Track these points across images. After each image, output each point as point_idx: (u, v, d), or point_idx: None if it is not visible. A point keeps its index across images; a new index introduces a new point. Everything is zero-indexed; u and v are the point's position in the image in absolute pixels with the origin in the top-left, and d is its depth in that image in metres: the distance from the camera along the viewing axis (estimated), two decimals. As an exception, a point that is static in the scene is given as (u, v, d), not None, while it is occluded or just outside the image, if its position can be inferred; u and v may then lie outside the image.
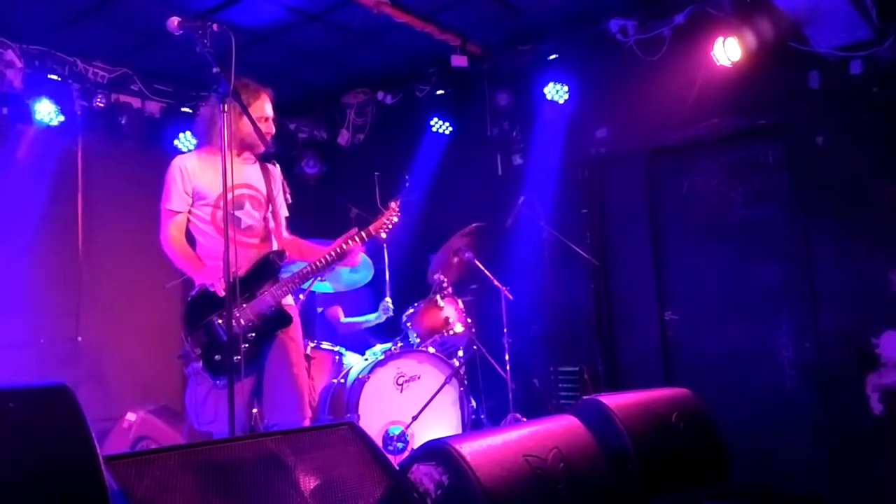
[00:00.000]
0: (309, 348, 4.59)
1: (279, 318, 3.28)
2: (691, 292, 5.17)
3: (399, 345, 4.62)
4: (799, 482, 4.61)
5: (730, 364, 4.93)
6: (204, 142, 3.47)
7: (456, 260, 5.00)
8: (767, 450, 4.72)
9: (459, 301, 4.84)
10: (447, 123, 5.94)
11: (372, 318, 5.23)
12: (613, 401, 3.12)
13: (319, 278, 4.40)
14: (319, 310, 5.40)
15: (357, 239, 3.42)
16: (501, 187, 5.73)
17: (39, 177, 5.50)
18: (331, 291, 4.92)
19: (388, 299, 5.11)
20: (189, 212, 3.35)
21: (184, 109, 6.21)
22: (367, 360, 4.57)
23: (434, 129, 5.97)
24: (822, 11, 3.97)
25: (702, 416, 3.48)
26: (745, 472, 4.77)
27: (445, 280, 4.74)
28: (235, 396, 3.21)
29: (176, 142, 6.03)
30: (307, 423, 3.36)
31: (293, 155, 6.83)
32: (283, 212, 3.61)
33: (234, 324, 3.17)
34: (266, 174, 3.51)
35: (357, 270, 4.65)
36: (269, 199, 3.46)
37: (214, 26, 2.85)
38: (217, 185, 3.33)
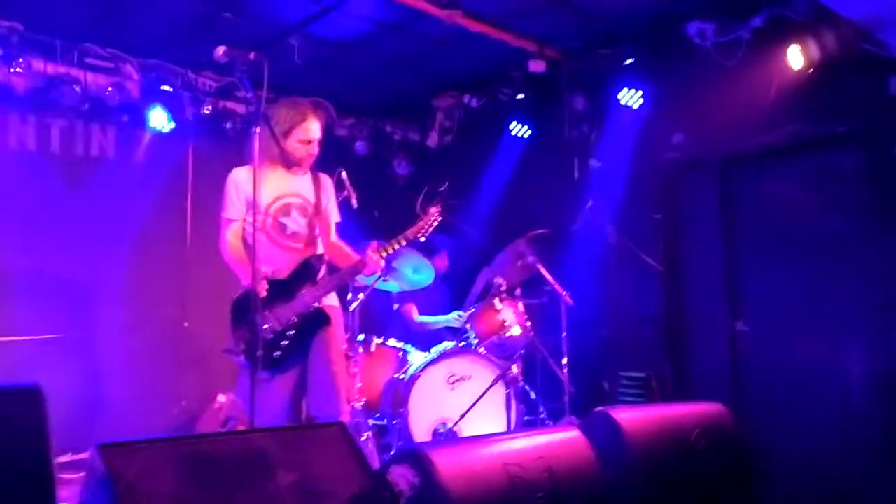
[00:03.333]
0: (374, 345, 4.88)
1: (318, 318, 3.56)
2: (764, 303, 5.04)
3: (454, 344, 4.81)
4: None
5: (799, 379, 4.79)
6: (269, 161, 3.79)
7: (520, 263, 5.13)
8: (831, 474, 4.56)
9: (520, 304, 4.97)
10: (526, 127, 6.05)
11: (442, 320, 5.44)
12: (625, 415, 3.18)
13: (383, 278, 4.68)
14: (395, 307, 5.67)
15: (389, 249, 3.65)
16: (577, 191, 5.78)
17: (154, 177, 6.08)
18: (398, 290, 5.16)
19: (459, 312, 5.31)
20: (244, 220, 3.69)
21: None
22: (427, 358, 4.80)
23: (513, 133, 6.10)
24: (888, 18, 3.79)
25: (729, 435, 3.46)
26: (807, 497, 4.66)
27: (504, 283, 4.88)
28: (280, 389, 3.56)
29: (275, 144, 6.48)
30: (345, 416, 3.63)
31: (386, 156, 7.15)
32: (334, 218, 3.89)
33: (275, 322, 3.49)
34: (317, 183, 3.80)
35: (419, 271, 4.87)
36: (317, 207, 3.74)
37: (252, 55, 3.15)
38: (265, 195, 3.67)
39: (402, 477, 2.47)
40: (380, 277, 4.71)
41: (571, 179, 5.94)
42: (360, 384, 4.67)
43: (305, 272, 3.57)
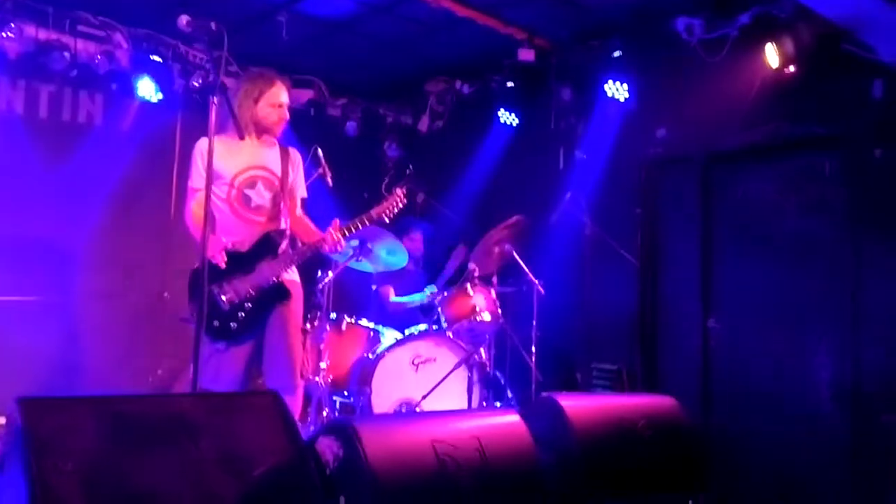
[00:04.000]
0: (345, 324, 4.90)
1: (276, 292, 3.58)
2: (737, 301, 5.04)
3: (421, 327, 4.84)
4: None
5: (768, 378, 4.79)
6: (237, 131, 3.80)
7: (496, 251, 5.13)
8: (795, 471, 4.58)
9: (493, 291, 4.98)
10: (514, 115, 6.04)
11: (417, 299, 5.47)
12: (570, 401, 3.20)
13: (357, 259, 4.71)
14: (374, 287, 5.70)
15: (352, 227, 3.66)
16: (561, 182, 5.77)
17: (140, 147, 6.09)
18: (373, 271, 5.18)
19: (432, 287, 5.34)
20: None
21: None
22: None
23: (501, 121, 6.09)
24: (867, 21, 3.76)
25: (678, 427, 3.48)
26: (770, 492, 4.67)
27: (477, 269, 4.89)
28: (234, 360, 3.59)
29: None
30: (299, 390, 3.66)
31: (378, 138, 7.15)
32: (300, 193, 3.91)
33: (232, 294, 3.52)
34: (285, 157, 3.81)
35: (393, 253, 4.89)
36: (284, 180, 3.76)
37: (213, 25, 3.16)
38: (232, 166, 3.69)
39: (328, 448, 2.51)
40: (353, 257, 4.75)
41: (556, 170, 5.94)
42: (327, 362, 4.70)
43: (265, 246, 3.59)
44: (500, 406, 4.77)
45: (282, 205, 3.74)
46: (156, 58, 5.97)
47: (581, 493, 3.03)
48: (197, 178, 3.70)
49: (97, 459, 2.13)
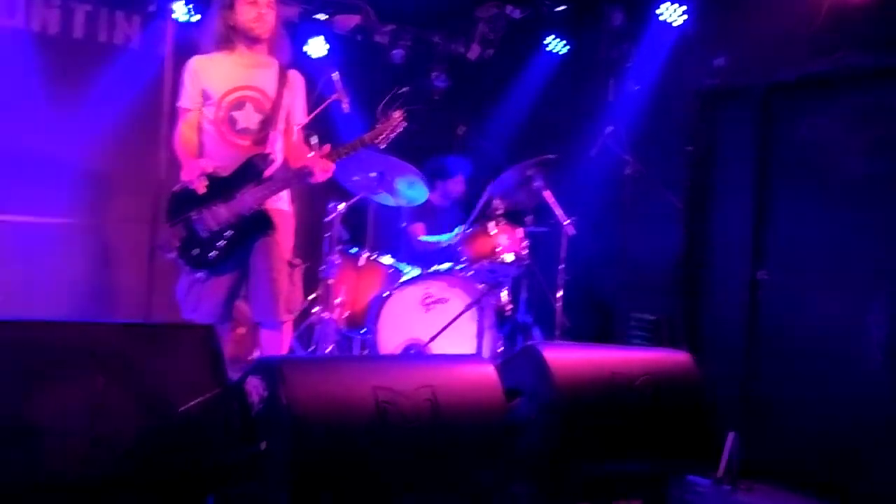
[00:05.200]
0: (363, 260, 4.68)
1: (259, 221, 3.39)
2: (790, 252, 4.54)
3: (442, 267, 4.58)
4: (874, 480, 4.02)
5: (817, 336, 4.33)
6: (219, 44, 3.59)
7: (526, 188, 4.79)
8: (842, 435, 4.15)
9: (519, 230, 4.66)
10: (562, 42, 5.59)
11: (444, 239, 5.18)
12: (555, 352, 2.89)
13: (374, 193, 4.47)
14: (403, 224, 5.46)
15: (342, 153, 3.41)
16: (606, 115, 5.32)
17: (176, 70, 5.94)
18: (392, 204, 4.93)
19: (461, 227, 5.05)
20: (200, 111, 3.51)
21: (317, 17, 6.40)
22: (415, 277, 4.59)
23: (549, 48, 5.66)
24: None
25: (686, 386, 3.14)
26: (815, 455, 4.26)
27: (501, 206, 4.57)
28: (214, 291, 3.44)
29: (305, 48, 6.26)
30: (286, 326, 3.49)
31: (426, 67, 6.81)
32: (298, 118, 3.67)
33: (212, 221, 3.34)
34: (282, 79, 3.57)
35: (413, 187, 4.62)
36: (276, 104, 3.52)
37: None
38: (221, 85, 3.48)
39: (255, 388, 2.31)
40: (371, 189, 4.52)
41: (604, 102, 5.48)
42: (341, 297, 4.54)
43: (248, 171, 3.39)
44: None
45: (271, 130, 3.50)
46: (192, -21, 5.80)
47: (557, 454, 2.75)
48: (186, 98, 3.53)
49: (-12, 386, 1.99)
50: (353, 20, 6.65)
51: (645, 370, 3.01)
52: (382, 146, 3.54)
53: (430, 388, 2.45)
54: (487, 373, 2.65)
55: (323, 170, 3.40)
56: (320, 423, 2.20)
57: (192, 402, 2.21)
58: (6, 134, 5.24)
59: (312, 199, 6.09)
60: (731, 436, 4.14)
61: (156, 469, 2.13)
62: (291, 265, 3.50)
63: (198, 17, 5.77)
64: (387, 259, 4.78)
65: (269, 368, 2.24)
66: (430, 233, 5.40)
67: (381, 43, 6.78)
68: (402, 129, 3.53)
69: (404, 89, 3.66)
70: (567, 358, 2.88)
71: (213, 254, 3.33)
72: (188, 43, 5.82)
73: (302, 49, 6.24)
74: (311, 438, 2.17)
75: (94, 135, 5.58)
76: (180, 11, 5.73)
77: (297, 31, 6.33)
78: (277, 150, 3.54)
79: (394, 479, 2.32)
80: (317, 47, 6.26)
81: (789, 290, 4.52)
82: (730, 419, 4.21)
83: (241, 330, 4.83)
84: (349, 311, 4.55)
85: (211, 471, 2.18)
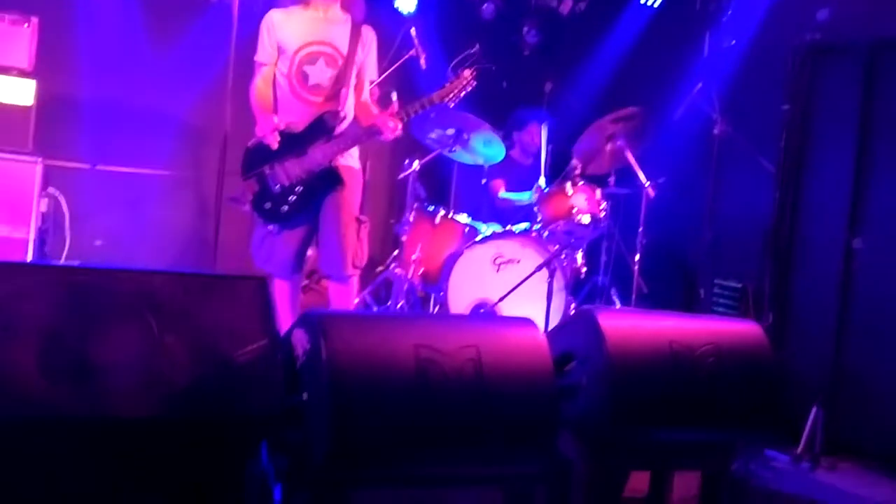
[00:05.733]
0: (439, 218, 4.69)
1: (329, 177, 3.45)
2: (889, 219, 4.25)
3: (522, 226, 4.55)
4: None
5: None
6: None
7: (608, 147, 4.67)
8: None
9: (598, 191, 4.55)
10: (658, -7, 5.37)
11: (525, 198, 5.12)
12: (611, 318, 2.83)
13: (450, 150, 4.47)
14: (483, 181, 5.42)
15: (410, 112, 3.41)
16: (700, 72, 5.09)
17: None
18: (470, 162, 4.90)
19: (541, 179, 4.96)
20: (276, 66, 3.58)
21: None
22: (491, 235, 4.57)
23: (643, 2, 5.44)
24: None
25: (754, 359, 3.01)
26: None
27: (579, 166, 4.47)
28: (286, 243, 3.55)
29: (396, 2, 6.24)
30: (352, 279, 3.57)
31: (518, 22, 6.67)
32: (369, 75, 3.69)
33: (283, 176, 3.43)
34: (355, 35, 3.59)
35: (490, 145, 4.58)
36: (349, 59, 3.55)
37: None
38: (295, 39, 3.53)
39: (299, 340, 2.38)
40: (447, 146, 4.52)
41: (698, 58, 5.23)
42: (418, 255, 4.58)
43: (319, 128, 3.44)
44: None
45: (343, 87, 3.53)
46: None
47: (607, 421, 2.71)
48: (262, 53, 3.61)
49: (51, 327, 2.13)
50: (444, -27, 6.59)
51: (707, 340, 2.90)
52: (452, 105, 3.51)
53: (475, 348, 2.45)
54: (535, 336, 2.62)
55: (391, 128, 3.41)
56: (358, 378, 2.24)
57: (241, 352, 2.30)
58: (112, 88, 5.51)
59: (395, 155, 6.15)
60: (814, 410, 3.97)
61: (204, 412, 2.23)
62: (359, 221, 3.56)
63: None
64: (463, 217, 4.77)
65: (312, 323, 2.30)
66: (510, 189, 5.35)
67: (469, -1, 6.70)
68: (471, 88, 3.49)
69: (475, 49, 3.60)
70: (622, 325, 2.81)
71: (284, 208, 3.42)
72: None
73: (392, 4, 6.25)
74: (348, 392, 2.22)
75: (197, 87, 5.76)
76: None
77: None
78: (349, 107, 3.58)
79: (433, 437, 2.35)
80: (406, 3, 6.24)
81: (886, 261, 4.24)
82: (817, 394, 4.04)
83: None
84: (424, 269, 4.59)
85: (256, 418, 2.27)
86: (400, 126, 3.44)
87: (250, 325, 2.37)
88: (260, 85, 3.59)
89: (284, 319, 3.57)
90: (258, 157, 3.44)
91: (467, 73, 3.50)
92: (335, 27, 3.59)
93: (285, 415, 2.31)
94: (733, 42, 5.03)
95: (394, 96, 4.37)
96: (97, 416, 2.13)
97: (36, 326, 2.12)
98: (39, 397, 2.07)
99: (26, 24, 4.13)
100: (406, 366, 2.32)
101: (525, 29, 6.62)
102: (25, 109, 4.14)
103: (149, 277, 2.35)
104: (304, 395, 2.30)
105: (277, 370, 2.32)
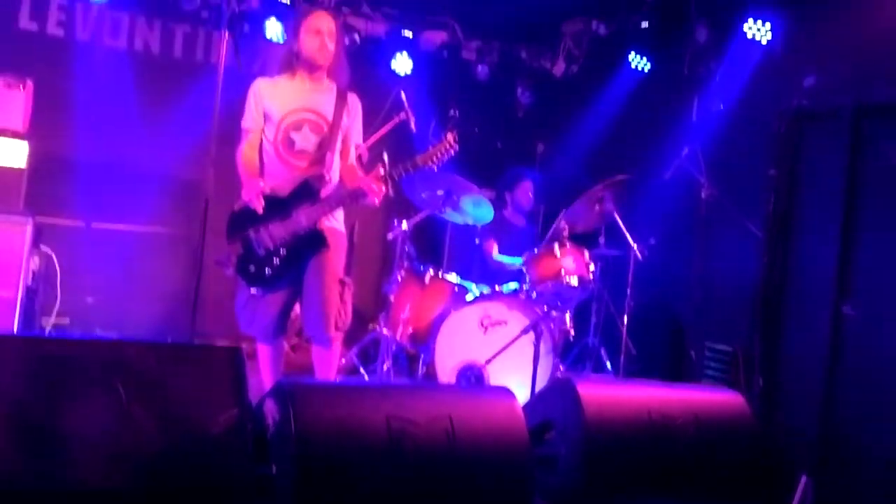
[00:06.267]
0: (428, 277, 4.69)
1: (313, 240, 3.46)
2: (878, 287, 4.23)
3: (511, 286, 4.55)
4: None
5: (905, 381, 4.01)
6: (283, 69, 3.70)
7: (597, 209, 4.70)
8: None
9: (586, 253, 4.56)
10: (645, 59, 5.46)
11: (517, 262, 5.11)
12: (590, 387, 2.82)
13: (441, 211, 4.50)
14: (477, 241, 5.44)
15: (395, 175, 3.44)
16: (688, 135, 5.14)
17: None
18: (459, 222, 4.92)
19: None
20: (262, 132, 3.64)
21: (405, 33, 6.50)
22: (478, 297, 4.57)
23: (632, 65, 5.53)
24: None
25: (736, 427, 2.99)
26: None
27: (567, 228, 4.49)
28: (269, 306, 3.55)
29: (393, 63, 6.37)
30: (335, 342, 3.55)
31: (512, 83, 6.78)
32: (355, 139, 3.73)
33: (268, 240, 3.44)
34: (340, 102, 3.64)
35: (479, 206, 4.61)
36: (334, 126, 3.59)
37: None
38: (282, 106, 3.59)
39: (270, 411, 2.37)
40: (437, 207, 4.55)
41: (687, 121, 5.30)
42: (407, 314, 4.57)
43: (304, 191, 3.47)
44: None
45: (328, 151, 3.57)
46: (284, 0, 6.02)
47: (584, 492, 2.67)
48: (249, 119, 3.66)
49: (17, 400, 2.13)
50: (439, 37, 6.71)
51: (687, 410, 2.90)
52: (436, 168, 3.54)
53: (448, 417, 2.44)
54: (511, 406, 2.60)
55: (375, 192, 3.43)
56: (327, 450, 2.23)
57: (211, 422, 2.29)
58: (109, 147, 5.59)
59: (386, 215, 6.19)
60: (802, 479, 3.90)
61: (170, 484, 2.21)
62: (342, 283, 3.56)
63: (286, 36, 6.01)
64: (453, 277, 4.77)
65: (283, 393, 2.29)
66: (503, 251, 5.36)
67: (467, 59, 6.81)
68: (455, 152, 3.51)
69: (454, 112, 3.66)
70: (601, 394, 2.80)
71: (268, 271, 3.43)
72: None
73: (388, 65, 6.37)
74: (316, 464, 2.20)
75: (188, 148, 5.86)
76: (273, 32, 5.96)
77: (383, 48, 6.47)
78: (334, 172, 3.61)
79: (404, 509, 2.32)
80: (402, 64, 6.36)
81: (877, 327, 4.22)
82: (806, 462, 3.98)
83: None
84: (412, 329, 4.58)
85: (223, 489, 2.25)
86: (384, 189, 3.46)
87: (221, 394, 2.36)
88: (246, 150, 3.63)
89: (267, 383, 3.56)
90: (243, 221, 3.46)
91: (450, 136, 3.53)
92: (321, 95, 3.65)
93: (254, 486, 2.28)
94: (721, 106, 5.10)
95: (384, 157, 4.44)
96: (63, 489, 2.11)
97: (2, 398, 2.11)
98: (5, 469, 2.05)
99: (21, 87, 4.20)
100: (378, 437, 2.31)
101: (519, 90, 6.74)
102: (18, 171, 4.19)
103: (120, 347, 2.36)
104: (273, 467, 2.27)
105: (246, 441, 2.30)
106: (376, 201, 3.49)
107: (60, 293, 4.98)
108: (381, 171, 3.48)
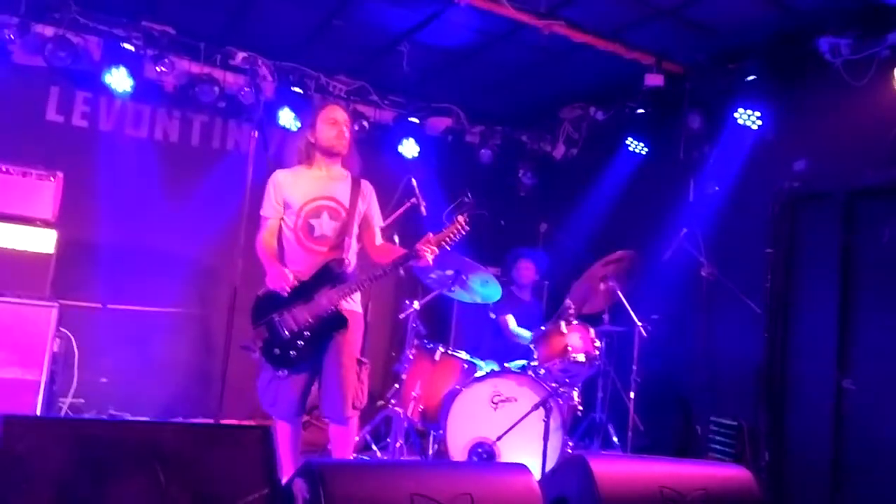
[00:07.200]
0: (438, 354, 4.82)
1: (334, 321, 3.61)
2: (877, 361, 4.37)
3: (519, 363, 4.67)
4: None
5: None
6: (301, 159, 3.92)
7: (601, 287, 4.86)
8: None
9: (592, 330, 4.71)
10: (642, 144, 5.71)
11: (527, 338, 5.25)
12: (603, 463, 2.92)
13: (449, 290, 4.66)
14: (492, 315, 5.59)
15: (416, 254, 3.60)
16: (686, 216, 5.35)
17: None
18: (468, 301, 5.07)
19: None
20: (281, 219, 3.83)
21: (411, 119, 6.79)
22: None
23: (630, 150, 5.78)
24: None
25: (744, 502, 3.07)
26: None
27: (572, 305, 4.65)
28: (293, 385, 3.67)
29: (400, 147, 6.64)
30: (352, 420, 3.66)
31: (512, 165, 7.04)
32: (376, 222, 3.92)
33: (292, 323, 3.59)
34: (355, 189, 3.85)
35: (487, 285, 4.77)
36: (351, 211, 3.79)
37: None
38: (301, 195, 3.79)
39: (300, 490, 2.47)
40: (446, 286, 4.71)
41: (683, 203, 5.51)
42: (418, 392, 4.68)
43: (325, 275, 3.63)
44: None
45: (346, 236, 3.76)
46: (297, 89, 6.32)
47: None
48: (268, 207, 3.85)
49: (63, 480, 2.24)
50: (444, 122, 7.03)
51: (698, 485, 2.98)
52: (448, 248, 3.70)
53: (469, 496, 2.54)
54: (529, 483, 2.70)
55: (425, 258, 3.56)
56: (356, 525, 2.32)
57: (243, 501, 2.39)
58: (128, 234, 5.80)
59: (397, 295, 6.36)
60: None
61: (205, 563, 2.30)
62: (360, 363, 3.69)
63: (298, 124, 6.28)
64: (462, 354, 4.90)
65: (312, 472, 2.40)
66: (519, 325, 5.51)
67: (471, 142, 7.11)
68: (465, 233, 3.69)
69: (468, 198, 3.86)
70: (614, 470, 2.89)
71: (293, 353, 3.56)
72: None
73: (396, 149, 6.64)
74: (347, 542, 2.29)
75: (205, 232, 6.06)
76: (286, 120, 6.24)
77: (391, 133, 6.75)
78: (352, 255, 3.79)
79: (429, 586, 2.40)
80: (409, 148, 6.63)
81: (877, 400, 4.34)
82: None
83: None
84: (423, 406, 4.68)
85: (255, 568, 2.34)
86: (436, 251, 3.59)
87: (253, 473, 2.47)
88: (266, 237, 3.82)
89: (286, 461, 3.66)
90: (268, 306, 3.62)
91: (461, 218, 3.71)
92: (337, 183, 3.86)
93: (284, 565, 2.37)
94: (716, 188, 5.32)
95: (395, 240, 4.63)
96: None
97: (50, 479, 2.23)
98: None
99: (52, 178, 4.41)
100: (402, 512, 2.41)
101: (521, 172, 7.01)
102: (46, 257, 4.36)
103: (159, 428, 2.48)
104: (304, 545, 2.37)
105: (277, 520, 2.40)
106: (430, 260, 3.61)
107: (77, 374, 5.10)
108: (431, 237, 3.63)
